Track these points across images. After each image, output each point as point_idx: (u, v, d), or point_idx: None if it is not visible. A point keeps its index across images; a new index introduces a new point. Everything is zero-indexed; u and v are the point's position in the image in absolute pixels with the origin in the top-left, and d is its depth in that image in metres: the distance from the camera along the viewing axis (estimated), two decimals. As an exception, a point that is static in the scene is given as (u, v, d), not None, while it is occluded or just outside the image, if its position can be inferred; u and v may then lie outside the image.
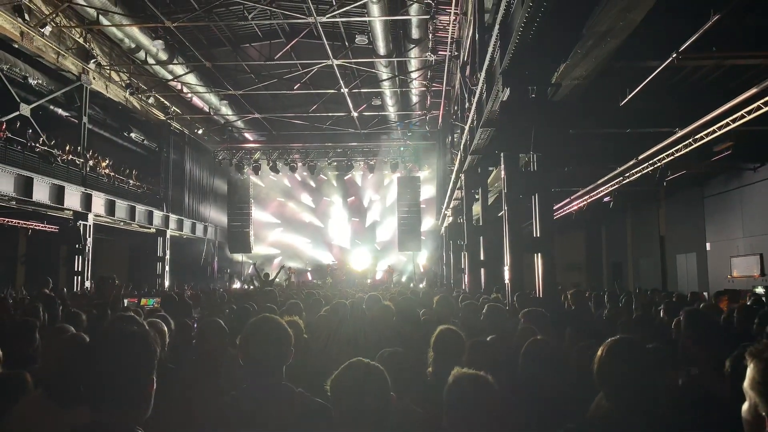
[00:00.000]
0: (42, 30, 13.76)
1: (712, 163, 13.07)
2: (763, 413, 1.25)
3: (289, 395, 2.18)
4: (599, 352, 2.06)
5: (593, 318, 5.50)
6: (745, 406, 1.31)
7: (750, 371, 1.32)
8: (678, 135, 10.86)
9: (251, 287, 16.59)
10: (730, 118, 9.55)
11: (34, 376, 2.61)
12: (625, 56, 7.22)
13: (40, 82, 15.11)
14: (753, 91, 8.44)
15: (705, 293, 12.15)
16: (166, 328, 3.78)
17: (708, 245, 16.75)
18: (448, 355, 2.92)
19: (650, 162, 12.78)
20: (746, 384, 1.31)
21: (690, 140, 10.91)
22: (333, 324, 4.41)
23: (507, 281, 7.14)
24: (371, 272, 26.02)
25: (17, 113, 14.04)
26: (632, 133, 11.42)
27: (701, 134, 10.53)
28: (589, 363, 2.14)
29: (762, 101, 8.73)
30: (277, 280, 17.88)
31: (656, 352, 2.88)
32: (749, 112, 9.11)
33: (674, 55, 7.53)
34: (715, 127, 10.05)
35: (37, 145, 14.38)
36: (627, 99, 9.51)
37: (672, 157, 11.92)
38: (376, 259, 27.15)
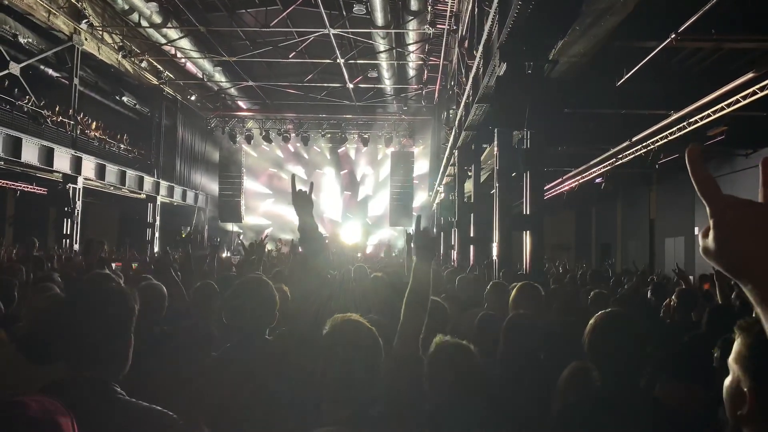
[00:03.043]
0: (32, -13, 13.45)
1: (705, 147, 13.08)
2: (746, 389, 1.20)
3: (271, 352, 2.18)
4: (591, 324, 2.08)
5: (579, 295, 5.54)
6: (727, 381, 1.27)
7: (737, 345, 1.28)
8: (672, 118, 10.86)
9: (239, 257, 16.57)
10: (725, 102, 9.53)
11: (17, 335, 2.59)
12: (623, 36, 7.15)
13: (30, 41, 14.81)
14: (749, 75, 8.43)
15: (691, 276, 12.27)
16: (166, 292, 3.64)
17: (696, 229, 16.87)
18: (432, 325, 2.93)
19: (644, 144, 12.78)
20: (732, 358, 1.27)
21: (684, 123, 10.91)
22: (322, 296, 4.40)
23: (495, 257, 7.18)
24: (362, 246, 26.06)
25: (6, 72, 13.79)
26: (627, 115, 11.40)
27: (695, 118, 10.53)
28: (574, 338, 2.16)
29: (758, 86, 8.71)
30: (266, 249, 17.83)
31: (645, 327, 2.92)
32: (744, 97, 9.10)
33: (673, 36, 7.47)
34: (709, 111, 10.04)
35: (26, 104, 14.16)
36: (623, 79, 9.46)
37: (665, 140, 11.92)
38: (367, 234, 27.16)
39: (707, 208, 0.75)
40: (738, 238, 0.72)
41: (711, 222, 0.75)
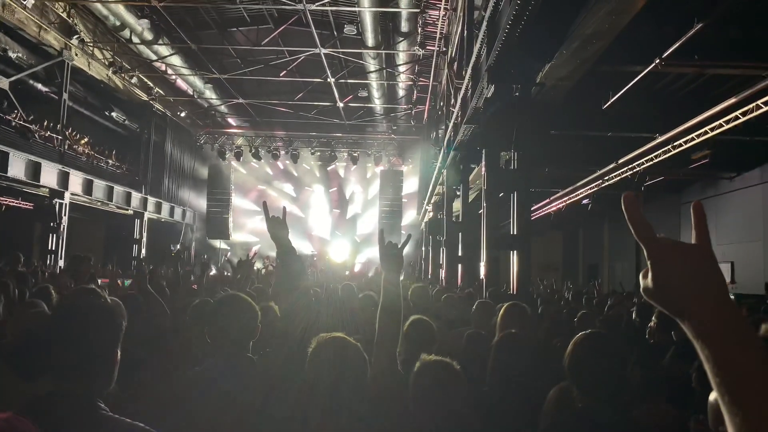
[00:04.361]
0: (24, 2, 13.48)
1: (690, 170, 13.30)
2: None
3: (251, 366, 2.20)
4: (571, 345, 2.11)
5: (565, 315, 5.58)
6: (712, 396, 1.28)
7: None
8: (657, 141, 11.03)
9: (228, 273, 16.47)
10: (709, 126, 9.72)
11: (3, 349, 2.57)
12: (609, 60, 7.29)
13: (20, 55, 14.78)
14: (731, 101, 8.61)
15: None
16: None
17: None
18: (419, 344, 2.95)
19: (629, 167, 12.96)
20: None
21: (669, 147, 11.09)
22: (311, 314, 4.39)
23: (482, 277, 7.21)
24: (350, 264, 25.93)
25: (-5, 86, 13.76)
26: (613, 137, 11.57)
27: (680, 141, 10.71)
28: (561, 358, 2.18)
29: (740, 111, 8.90)
30: (255, 267, 17.73)
31: (623, 346, 2.95)
32: (727, 122, 9.28)
33: (657, 61, 7.63)
34: (693, 135, 10.23)
35: (13, 119, 14.10)
36: (609, 102, 9.62)
37: (651, 163, 12.10)
38: (356, 252, 27.11)
39: (644, 250, 0.79)
40: (673, 278, 0.77)
41: (649, 263, 0.79)
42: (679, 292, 0.76)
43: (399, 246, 2.35)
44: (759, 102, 8.58)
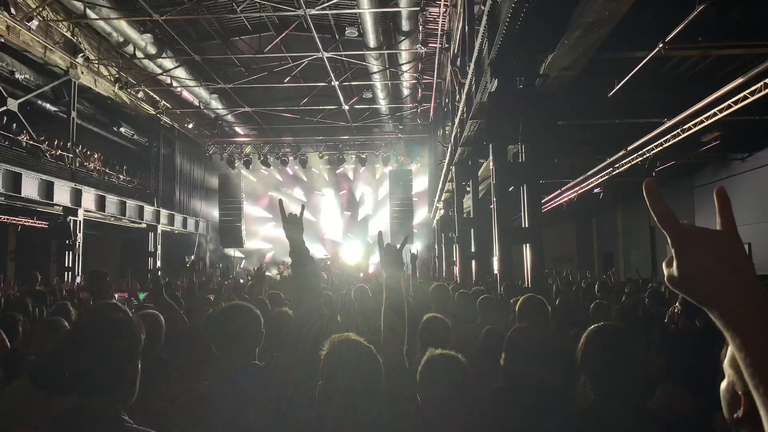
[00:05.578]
0: (28, 24, 13.63)
1: (701, 153, 13.18)
2: (740, 392, 1.23)
3: (258, 372, 2.21)
4: (583, 338, 2.09)
5: (578, 307, 5.55)
6: (723, 384, 1.28)
7: (730, 349, 1.30)
8: (666, 125, 10.94)
9: (243, 281, 16.57)
10: (717, 108, 9.63)
11: (29, 367, 2.61)
12: (612, 47, 7.25)
13: (27, 76, 14.98)
14: (739, 81, 8.52)
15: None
16: (163, 320, 3.67)
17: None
18: (434, 342, 2.95)
19: (639, 153, 12.86)
20: (726, 362, 1.29)
21: (678, 130, 10.99)
22: (323, 317, 4.42)
23: (496, 272, 7.19)
24: (363, 266, 25.96)
25: (5, 108, 13.92)
26: (621, 124, 11.49)
27: (689, 124, 10.61)
28: (575, 350, 2.17)
29: (748, 91, 8.80)
30: (269, 274, 17.85)
31: (638, 339, 2.93)
32: (735, 102, 9.19)
33: (661, 45, 7.57)
34: (702, 117, 10.13)
35: (24, 140, 14.28)
36: (615, 90, 9.56)
37: (660, 148, 12.01)
38: (369, 253, 27.10)
39: (668, 239, 0.77)
40: (699, 266, 0.75)
41: (673, 251, 0.77)
42: (706, 280, 0.74)
43: (398, 247, 2.38)
44: (766, 80, 8.48)
